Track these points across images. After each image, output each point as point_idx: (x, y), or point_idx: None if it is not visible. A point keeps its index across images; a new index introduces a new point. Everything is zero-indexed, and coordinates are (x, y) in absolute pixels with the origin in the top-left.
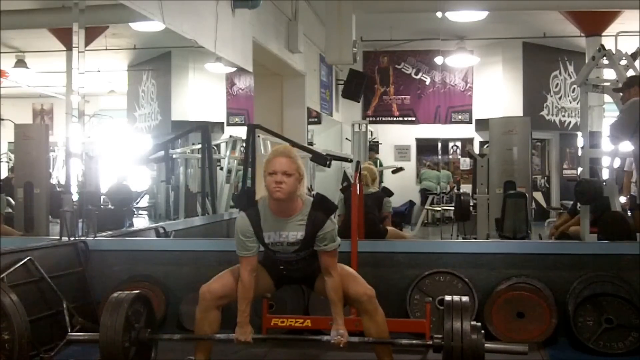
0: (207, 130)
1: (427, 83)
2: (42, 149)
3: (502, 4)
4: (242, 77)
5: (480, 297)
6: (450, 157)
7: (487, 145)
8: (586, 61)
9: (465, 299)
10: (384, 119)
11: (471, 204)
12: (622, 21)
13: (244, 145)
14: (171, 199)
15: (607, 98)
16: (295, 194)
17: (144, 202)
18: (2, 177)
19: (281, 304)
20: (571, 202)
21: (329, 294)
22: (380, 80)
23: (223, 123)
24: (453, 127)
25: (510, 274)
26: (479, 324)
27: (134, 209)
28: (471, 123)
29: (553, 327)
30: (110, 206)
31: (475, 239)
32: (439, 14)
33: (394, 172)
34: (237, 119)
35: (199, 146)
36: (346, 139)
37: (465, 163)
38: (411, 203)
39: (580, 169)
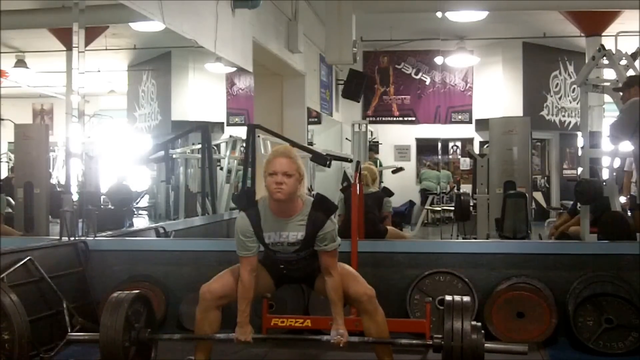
0: (207, 130)
1: (427, 83)
2: (42, 149)
3: (502, 4)
4: (242, 77)
5: (480, 297)
6: (450, 157)
7: (487, 145)
8: (586, 61)
9: (466, 298)
10: (384, 119)
11: (471, 204)
12: (622, 21)
13: (244, 145)
14: (171, 199)
15: (607, 98)
16: (295, 195)
17: (144, 202)
18: (2, 177)
19: (281, 304)
20: (571, 202)
21: (329, 294)
22: (380, 80)
23: (223, 123)
24: (453, 127)
25: (510, 274)
26: (479, 323)
27: (134, 209)
28: (471, 123)
29: (553, 327)
30: (110, 206)
31: (475, 239)
32: (439, 14)
33: (393, 172)
34: (237, 119)
35: (199, 146)
36: (346, 139)
37: (465, 163)
38: (411, 203)
39: (580, 169)
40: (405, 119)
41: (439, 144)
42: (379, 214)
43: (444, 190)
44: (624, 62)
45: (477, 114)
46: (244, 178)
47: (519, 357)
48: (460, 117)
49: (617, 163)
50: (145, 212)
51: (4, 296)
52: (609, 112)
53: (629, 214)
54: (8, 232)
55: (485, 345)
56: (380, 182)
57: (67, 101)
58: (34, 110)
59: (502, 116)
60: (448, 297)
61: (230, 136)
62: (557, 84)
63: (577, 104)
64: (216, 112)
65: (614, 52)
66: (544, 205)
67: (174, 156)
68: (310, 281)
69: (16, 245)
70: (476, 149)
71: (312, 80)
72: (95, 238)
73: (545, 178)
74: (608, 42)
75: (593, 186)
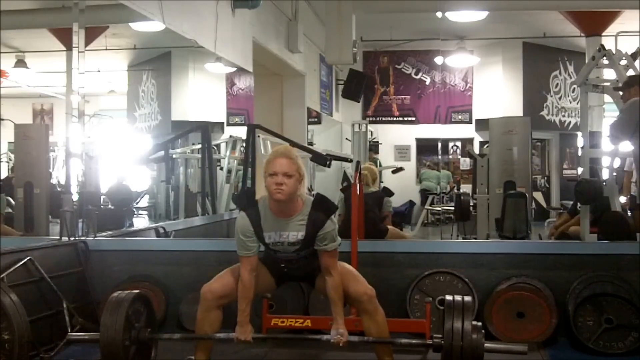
0: (207, 130)
1: (427, 83)
2: (42, 149)
3: (502, 4)
4: (242, 77)
5: (480, 297)
6: (450, 157)
7: (487, 145)
8: (586, 61)
9: (466, 298)
10: (384, 119)
11: (471, 204)
12: (622, 21)
13: (244, 145)
14: (171, 199)
15: (607, 98)
16: (295, 195)
17: (144, 202)
18: (2, 177)
19: (281, 303)
20: (571, 202)
21: (329, 293)
22: (380, 80)
23: (223, 123)
24: (453, 127)
25: (510, 274)
26: (479, 323)
27: (134, 209)
28: (471, 123)
29: (553, 327)
30: (110, 206)
31: (475, 239)
32: (439, 14)
33: (393, 172)
34: (237, 119)
35: (199, 146)
36: (346, 139)
37: (465, 163)
38: (411, 203)
39: (580, 169)
40: (405, 119)
41: (439, 144)
42: (380, 214)
43: (444, 190)
44: (624, 62)
45: (477, 114)
46: (244, 178)
47: (519, 357)
48: (460, 117)
49: (617, 163)
50: (145, 212)
51: (4, 296)
52: (609, 112)
53: (629, 214)
54: (8, 232)
55: (485, 345)
56: (380, 182)
57: (67, 101)
58: (34, 110)
59: (502, 116)
60: (448, 297)
61: (230, 136)
62: (557, 84)
63: (577, 104)
64: (216, 112)
65: (614, 52)
66: (544, 205)
67: (174, 156)
68: (311, 279)
69: (16, 245)
70: (476, 149)
71: (312, 80)
72: (95, 238)
73: (545, 178)
74: (608, 42)
75: (593, 186)
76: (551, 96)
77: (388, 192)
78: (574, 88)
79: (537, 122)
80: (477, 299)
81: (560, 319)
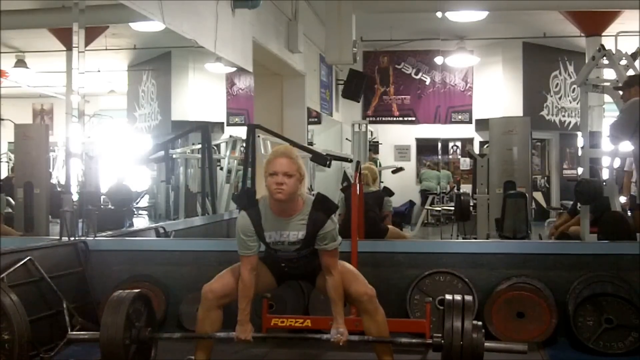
0: (207, 130)
1: (427, 83)
2: (42, 149)
3: (502, 4)
4: (242, 77)
5: (480, 297)
6: (450, 157)
7: (487, 145)
8: (586, 61)
9: (466, 297)
10: (384, 119)
11: (471, 204)
12: (622, 21)
13: (244, 145)
14: (171, 199)
15: (607, 98)
16: (296, 194)
17: (144, 202)
18: (2, 177)
19: (281, 303)
20: (571, 202)
21: (329, 293)
22: (380, 80)
23: (223, 123)
24: (453, 127)
25: (510, 274)
26: (479, 323)
27: (134, 209)
28: (471, 123)
29: (553, 327)
30: (110, 206)
31: (475, 239)
32: (439, 14)
33: (393, 172)
34: (237, 119)
35: (199, 146)
36: (346, 139)
37: (465, 163)
38: (411, 203)
39: (580, 169)
40: (405, 119)
41: (439, 144)
42: (380, 213)
43: (444, 190)
44: (624, 62)
45: (477, 114)
46: (244, 178)
47: (519, 357)
48: (460, 117)
49: (617, 163)
50: (145, 212)
51: (4, 296)
52: (609, 112)
53: (629, 214)
54: (8, 232)
55: (485, 344)
56: (380, 182)
57: (67, 101)
58: (34, 110)
59: (502, 116)
60: (448, 296)
61: (230, 136)
62: (557, 84)
63: (577, 104)
64: (216, 112)
65: (614, 52)
66: (544, 205)
67: (174, 156)
68: (311, 278)
69: (16, 245)
70: (476, 149)
71: (312, 80)
72: (95, 238)
73: (545, 178)
74: (608, 42)
75: (593, 186)
76: (551, 96)
77: (388, 192)
78: (574, 88)
79: (537, 122)
80: (477, 299)
81: (560, 319)
